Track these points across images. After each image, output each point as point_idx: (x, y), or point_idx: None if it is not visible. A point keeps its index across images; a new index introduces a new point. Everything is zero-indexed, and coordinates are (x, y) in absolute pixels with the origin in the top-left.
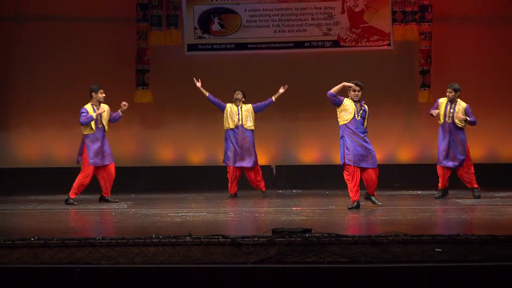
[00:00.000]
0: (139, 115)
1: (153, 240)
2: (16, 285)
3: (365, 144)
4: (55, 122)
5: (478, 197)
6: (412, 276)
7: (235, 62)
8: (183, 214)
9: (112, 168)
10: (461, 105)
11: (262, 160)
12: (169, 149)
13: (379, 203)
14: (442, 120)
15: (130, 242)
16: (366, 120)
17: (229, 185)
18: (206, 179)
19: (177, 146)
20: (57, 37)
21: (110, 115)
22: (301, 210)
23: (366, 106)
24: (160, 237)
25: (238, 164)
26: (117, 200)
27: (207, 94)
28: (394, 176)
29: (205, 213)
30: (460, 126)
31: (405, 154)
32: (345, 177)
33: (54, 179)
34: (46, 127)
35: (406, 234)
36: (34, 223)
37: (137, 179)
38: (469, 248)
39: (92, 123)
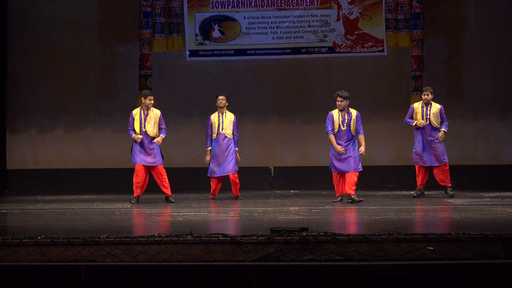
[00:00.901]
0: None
1: (155, 238)
2: (24, 282)
3: (346, 153)
4: (62, 124)
5: (452, 196)
6: (405, 273)
7: (235, 68)
8: (185, 213)
9: (159, 169)
10: (436, 106)
11: (260, 162)
12: (172, 151)
13: (357, 200)
14: (426, 122)
15: (133, 241)
16: (353, 125)
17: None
18: (206, 180)
19: (180, 148)
20: (63, 41)
21: (160, 123)
22: (298, 210)
23: (353, 113)
24: (163, 235)
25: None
26: (173, 200)
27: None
28: (388, 178)
29: (206, 213)
30: (436, 126)
31: (398, 156)
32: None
33: (61, 180)
34: (54, 129)
35: (400, 233)
36: (41, 222)
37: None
38: (460, 246)
39: (136, 127)
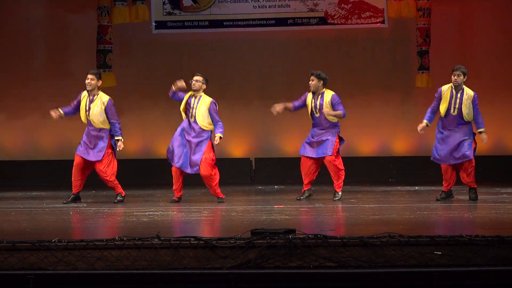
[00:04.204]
0: None
1: (116, 242)
2: None
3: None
4: (3, 109)
5: (475, 198)
6: (408, 282)
7: (209, 42)
8: (150, 213)
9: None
10: (468, 93)
11: (240, 152)
12: (135, 139)
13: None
14: (443, 113)
15: (90, 245)
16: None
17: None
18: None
19: (144, 136)
20: (2, 9)
21: (108, 112)
22: (284, 208)
23: (328, 96)
24: (125, 239)
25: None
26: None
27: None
28: (389, 170)
29: (175, 212)
30: (467, 119)
31: (400, 146)
32: None
33: (4, 174)
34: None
35: (402, 235)
36: None
37: (97, 174)
38: (472, 250)
39: (82, 115)
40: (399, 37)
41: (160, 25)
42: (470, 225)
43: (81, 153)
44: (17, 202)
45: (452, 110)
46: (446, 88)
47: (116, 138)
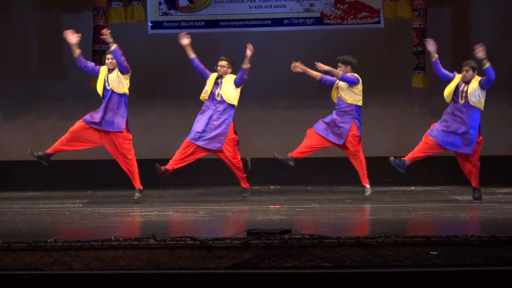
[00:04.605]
0: (95, 101)
1: (112, 243)
2: None
3: None
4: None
5: (478, 198)
6: (404, 282)
7: (205, 42)
8: (146, 213)
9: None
10: (475, 82)
11: None
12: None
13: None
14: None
15: (86, 245)
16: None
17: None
18: (172, 174)
19: (139, 136)
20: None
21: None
22: (280, 209)
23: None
24: (120, 239)
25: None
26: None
27: (192, 56)
28: (385, 170)
29: (171, 212)
30: (476, 105)
31: (397, 146)
32: None
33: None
34: None
35: (398, 235)
36: None
37: (94, 174)
38: (468, 250)
39: (99, 88)
40: (395, 38)
41: (156, 25)
42: (466, 226)
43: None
44: (13, 202)
45: (460, 99)
46: (458, 77)
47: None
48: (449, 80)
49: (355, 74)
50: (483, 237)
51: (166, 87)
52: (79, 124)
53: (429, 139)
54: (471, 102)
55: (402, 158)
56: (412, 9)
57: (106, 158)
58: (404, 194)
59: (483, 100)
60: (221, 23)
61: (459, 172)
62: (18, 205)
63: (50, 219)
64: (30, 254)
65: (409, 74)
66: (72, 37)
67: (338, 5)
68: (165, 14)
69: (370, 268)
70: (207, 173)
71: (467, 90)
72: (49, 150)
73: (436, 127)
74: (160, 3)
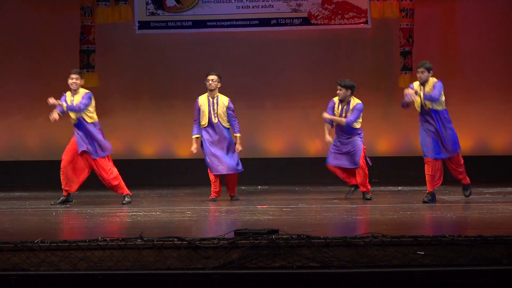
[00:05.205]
0: None
1: (99, 243)
2: None
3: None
4: None
5: (469, 194)
6: (391, 282)
7: (193, 42)
8: (134, 213)
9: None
10: (431, 83)
11: None
12: (117, 140)
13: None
14: (418, 109)
15: (73, 246)
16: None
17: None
18: (159, 174)
19: (126, 137)
20: None
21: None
22: (267, 209)
23: (353, 104)
24: (108, 239)
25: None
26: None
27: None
28: (372, 170)
29: (158, 213)
30: (437, 108)
31: (384, 146)
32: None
33: None
34: None
35: (385, 235)
36: None
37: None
38: (455, 250)
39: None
40: (382, 38)
41: (144, 25)
42: (453, 225)
43: None
44: (0, 202)
45: (424, 105)
46: (416, 85)
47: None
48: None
49: (358, 102)
50: (470, 237)
51: (153, 87)
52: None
53: (425, 159)
54: (430, 107)
55: (428, 191)
56: (400, 9)
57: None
58: (391, 194)
59: (443, 99)
60: (208, 23)
61: (446, 172)
62: (5, 205)
63: (37, 219)
64: (17, 255)
65: (396, 74)
66: (53, 114)
67: (326, 5)
68: (153, 14)
69: (358, 268)
70: (194, 174)
71: (424, 94)
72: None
73: (421, 142)
74: (147, 3)
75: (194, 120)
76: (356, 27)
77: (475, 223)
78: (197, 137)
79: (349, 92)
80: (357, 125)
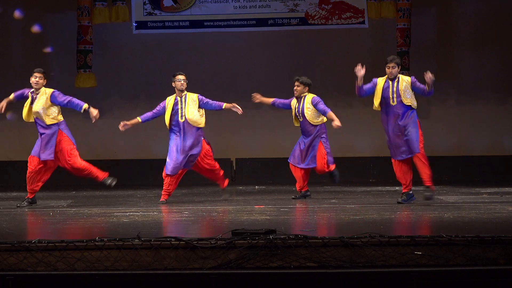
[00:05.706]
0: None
1: (96, 243)
2: None
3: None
4: None
5: (429, 198)
6: (389, 282)
7: (190, 42)
8: (131, 213)
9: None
10: (404, 80)
11: (220, 153)
12: (115, 140)
13: None
14: (377, 106)
15: (70, 246)
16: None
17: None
18: (156, 174)
19: (123, 137)
20: None
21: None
22: (264, 209)
23: (308, 99)
24: (105, 240)
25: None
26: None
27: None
28: (369, 171)
29: (155, 213)
30: (410, 104)
31: (381, 146)
32: None
33: None
34: None
35: (383, 236)
36: None
37: None
38: (452, 250)
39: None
40: (379, 38)
41: (141, 25)
42: (450, 225)
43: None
44: None
45: (391, 101)
46: (380, 80)
47: (83, 107)
48: (373, 90)
49: (315, 96)
50: (467, 237)
51: (150, 87)
52: None
53: (392, 160)
54: (405, 102)
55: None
56: (397, 9)
57: (89, 158)
58: (389, 194)
59: (414, 99)
60: (205, 23)
61: (443, 172)
62: (2, 205)
63: (34, 220)
64: (14, 255)
65: None
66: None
67: (323, 5)
68: (150, 14)
69: (355, 268)
70: (192, 174)
71: (397, 89)
72: None
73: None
74: (144, 3)
75: (152, 110)
76: (353, 27)
77: (472, 223)
78: (139, 121)
79: (306, 89)
80: (320, 121)
